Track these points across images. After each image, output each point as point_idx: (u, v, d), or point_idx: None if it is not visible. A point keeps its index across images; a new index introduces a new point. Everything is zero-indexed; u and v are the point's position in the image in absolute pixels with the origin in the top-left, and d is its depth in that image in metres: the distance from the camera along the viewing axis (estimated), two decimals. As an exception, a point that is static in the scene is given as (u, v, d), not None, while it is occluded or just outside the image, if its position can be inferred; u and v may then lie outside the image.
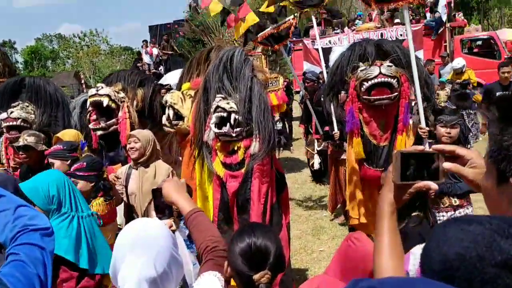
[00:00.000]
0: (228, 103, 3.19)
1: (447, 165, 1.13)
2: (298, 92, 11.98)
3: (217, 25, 9.84)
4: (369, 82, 3.60)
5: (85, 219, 2.60)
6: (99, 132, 4.31)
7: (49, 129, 4.63)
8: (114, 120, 4.35)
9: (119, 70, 5.44)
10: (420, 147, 1.19)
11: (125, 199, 3.65)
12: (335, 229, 5.60)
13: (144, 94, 4.60)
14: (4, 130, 4.62)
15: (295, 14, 6.41)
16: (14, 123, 4.54)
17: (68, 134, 4.03)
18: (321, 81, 8.19)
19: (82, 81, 30.54)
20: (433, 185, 1.14)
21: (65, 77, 34.49)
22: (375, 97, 3.62)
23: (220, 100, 3.23)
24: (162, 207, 1.89)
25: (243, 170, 3.26)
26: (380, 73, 3.58)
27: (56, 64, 47.76)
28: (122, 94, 4.50)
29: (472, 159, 1.14)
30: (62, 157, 3.46)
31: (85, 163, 3.18)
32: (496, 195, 0.98)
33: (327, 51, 14.34)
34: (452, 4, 15.64)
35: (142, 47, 15.56)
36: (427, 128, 3.82)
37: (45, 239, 1.36)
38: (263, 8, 5.52)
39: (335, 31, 15.18)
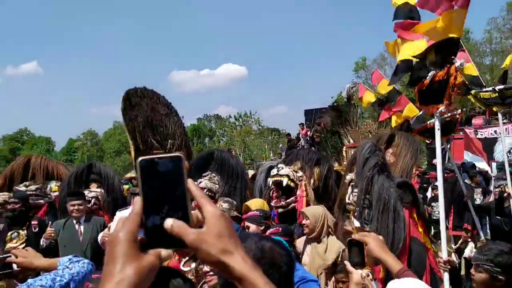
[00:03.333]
0: (355, 196, 3.36)
1: None
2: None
3: (356, 117, 10.11)
4: None
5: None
6: (279, 210, 4.65)
7: (229, 198, 5.15)
8: (293, 198, 4.68)
9: (298, 150, 5.91)
10: None
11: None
12: None
13: (320, 172, 4.88)
14: (194, 197, 5.28)
15: (464, 108, 6.24)
16: None
17: (256, 203, 4.38)
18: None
19: (234, 158, 33.34)
20: None
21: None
22: None
23: (349, 194, 3.41)
24: (358, 260, 1.95)
25: None
26: None
27: (212, 141, 53.01)
28: (300, 173, 4.87)
29: None
30: (258, 222, 3.71)
31: (280, 228, 3.42)
32: None
33: (491, 142, 13.41)
34: None
35: (299, 129, 16.62)
36: None
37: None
38: None
39: (503, 121, 14.15)
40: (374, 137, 4.73)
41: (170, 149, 10.41)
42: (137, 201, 0.79)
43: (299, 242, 3.96)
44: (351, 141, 9.97)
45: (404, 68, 3.49)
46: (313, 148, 15.36)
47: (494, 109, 5.29)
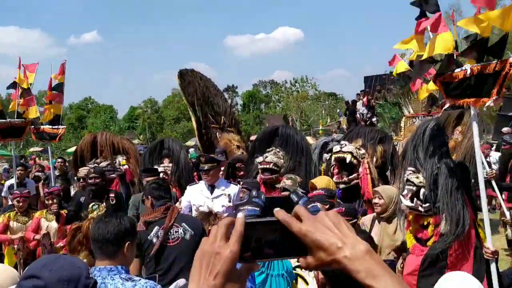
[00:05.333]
0: (417, 177, 3.20)
1: None
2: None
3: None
4: None
5: (275, 278, 2.81)
6: (341, 186, 4.73)
7: (294, 172, 5.26)
8: (355, 175, 4.73)
9: (359, 127, 5.88)
10: None
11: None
12: None
13: (385, 151, 4.86)
14: (260, 171, 5.45)
15: None
16: (268, 166, 5.31)
17: (321, 181, 4.44)
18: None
19: (290, 124, 33.36)
20: None
21: (275, 119, 37.61)
22: None
23: (410, 173, 3.26)
24: None
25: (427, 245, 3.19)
26: None
27: (268, 107, 53.15)
28: (362, 151, 4.88)
29: None
30: (323, 201, 3.75)
31: (343, 208, 3.52)
32: None
33: None
34: None
35: (357, 96, 16.27)
36: None
37: None
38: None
39: None
40: (444, 114, 4.57)
41: (223, 124, 10.75)
42: (240, 219, 0.83)
43: (366, 220, 4.02)
44: (411, 111, 9.78)
45: (428, 63, 3.41)
46: (373, 116, 15.08)
47: None
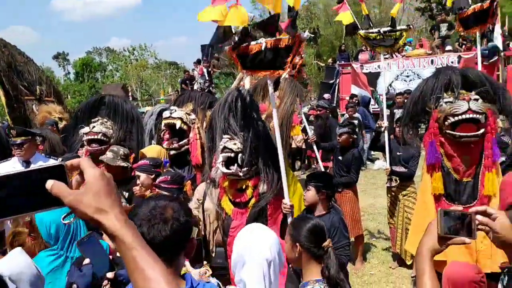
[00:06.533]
0: (235, 144, 3.37)
1: (479, 217, 1.36)
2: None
3: None
4: (456, 118, 3.23)
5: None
6: (172, 152, 4.67)
7: (124, 143, 5.00)
8: (185, 140, 4.71)
9: (190, 91, 5.79)
10: (459, 208, 1.41)
11: (200, 215, 3.91)
12: (386, 253, 5.82)
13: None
14: (85, 143, 5.00)
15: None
16: (95, 137, 4.87)
17: (152, 150, 4.32)
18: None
19: (130, 94, 31.94)
20: (467, 240, 1.32)
21: (113, 89, 35.49)
22: (461, 134, 3.23)
23: (227, 141, 3.41)
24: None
25: (249, 206, 3.42)
26: (469, 109, 3.18)
27: (105, 76, 49.85)
28: (193, 116, 4.86)
29: (499, 216, 1.35)
30: (148, 171, 3.70)
31: (169, 177, 3.48)
32: None
33: (375, 76, 14.56)
34: (507, 33, 15.52)
35: (194, 65, 16.22)
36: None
37: None
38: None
39: (385, 56, 15.20)
40: (262, 80, 4.77)
41: (40, 95, 9.68)
42: None
43: (201, 187, 4.02)
44: (244, 80, 10.27)
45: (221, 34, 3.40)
46: (211, 85, 15.31)
47: (378, 49, 5.67)
